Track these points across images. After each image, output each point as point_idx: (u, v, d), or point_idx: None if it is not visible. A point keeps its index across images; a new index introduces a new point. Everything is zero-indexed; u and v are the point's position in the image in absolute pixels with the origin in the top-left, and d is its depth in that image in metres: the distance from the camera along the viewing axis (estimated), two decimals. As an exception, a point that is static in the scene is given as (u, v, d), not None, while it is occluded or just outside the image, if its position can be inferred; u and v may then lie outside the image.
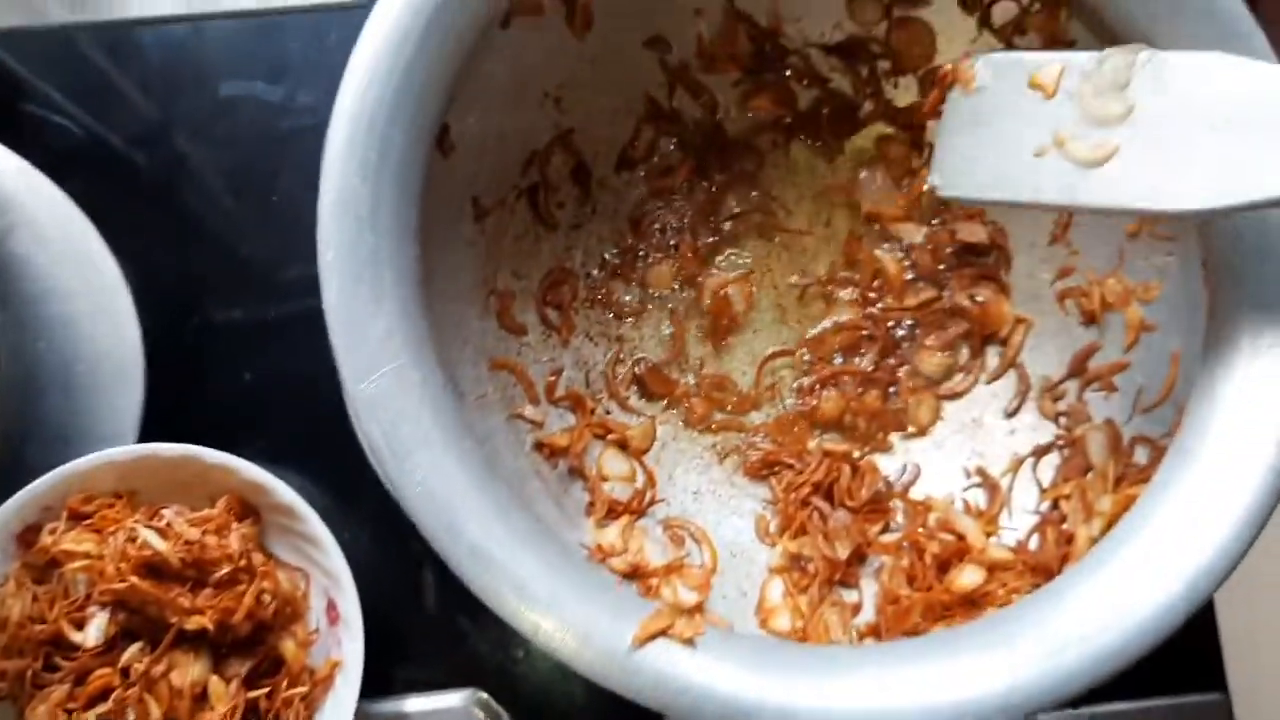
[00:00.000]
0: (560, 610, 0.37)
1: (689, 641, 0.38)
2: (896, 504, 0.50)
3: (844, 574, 0.47)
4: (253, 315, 0.57)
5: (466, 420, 0.42)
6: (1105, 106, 0.37)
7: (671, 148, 0.54)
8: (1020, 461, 0.49)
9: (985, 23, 0.49)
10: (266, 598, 0.45)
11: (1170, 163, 0.35)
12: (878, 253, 0.54)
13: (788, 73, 0.53)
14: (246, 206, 0.58)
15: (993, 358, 0.52)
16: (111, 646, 0.44)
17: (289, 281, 0.57)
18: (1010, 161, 0.39)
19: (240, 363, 0.56)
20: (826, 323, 0.54)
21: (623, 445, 0.51)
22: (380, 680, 0.51)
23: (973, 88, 0.40)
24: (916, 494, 0.50)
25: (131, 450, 0.45)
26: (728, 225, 0.54)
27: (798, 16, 0.51)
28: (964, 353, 0.52)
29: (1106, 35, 0.43)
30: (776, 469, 0.51)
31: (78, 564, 0.44)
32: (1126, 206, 0.36)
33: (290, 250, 0.57)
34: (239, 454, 0.45)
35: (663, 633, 0.38)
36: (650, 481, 0.50)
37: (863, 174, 0.54)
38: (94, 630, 0.44)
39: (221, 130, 0.58)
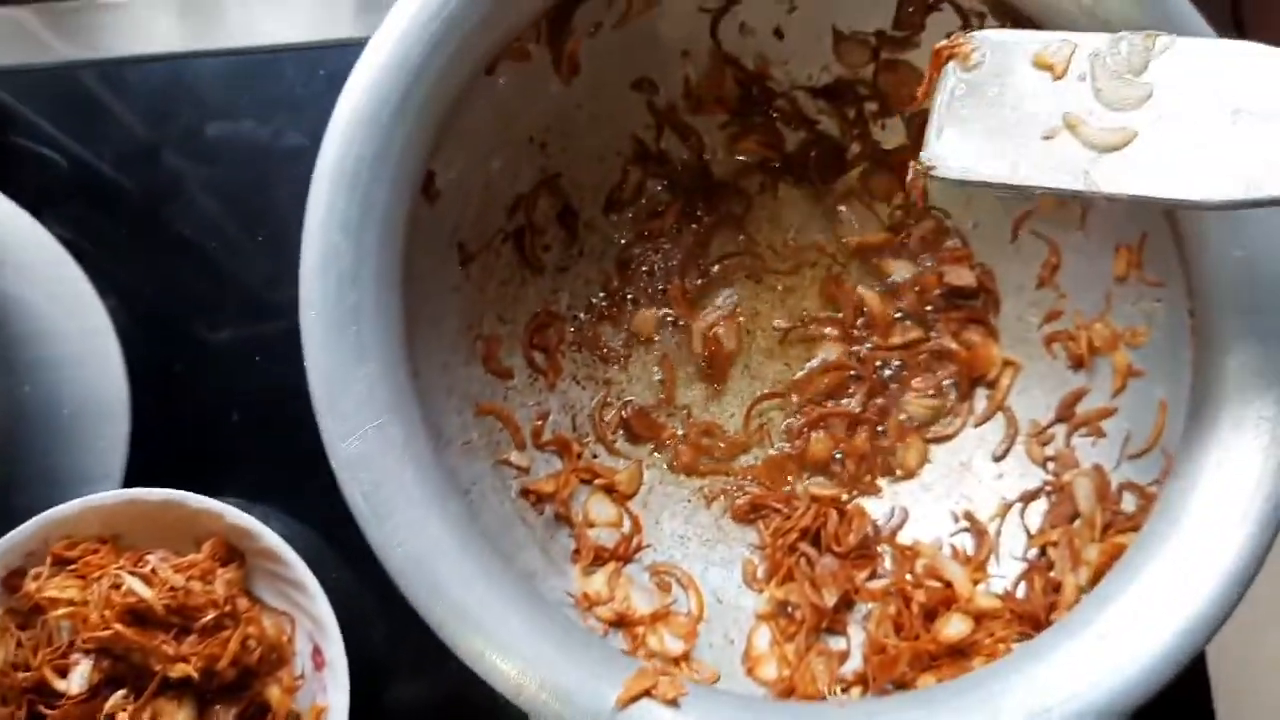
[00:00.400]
0: (543, 671, 0.37)
1: (672, 702, 0.38)
2: (884, 549, 0.50)
3: (831, 621, 0.47)
4: (241, 341, 0.57)
5: (450, 470, 0.41)
6: (1122, 90, 0.35)
7: (659, 189, 0.54)
8: (1008, 507, 0.49)
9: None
10: (251, 643, 0.45)
11: (1193, 151, 0.34)
12: (860, 288, 0.53)
13: (775, 115, 0.53)
14: (236, 234, 0.58)
15: (981, 401, 0.52)
16: (95, 694, 0.43)
17: (277, 308, 0.57)
18: (1016, 144, 0.37)
19: (227, 396, 0.56)
20: (814, 362, 0.53)
21: (609, 490, 0.50)
22: (366, 724, 0.51)
23: (970, 63, 0.38)
24: (904, 539, 0.50)
25: (116, 495, 0.45)
26: (715, 268, 0.54)
27: (785, 59, 0.51)
28: (952, 396, 0.52)
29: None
30: (764, 513, 0.51)
31: (62, 611, 0.43)
32: (1147, 194, 0.35)
33: (279, 275, 0.57)
34: (224, 490, 0.45)
35: (646, 693, 0.37)
36: (636, 527, 0.50)
37: (841, 209, 0.54)
38: (78, 678, 0.43)
39: (213, 159, 0.58)
